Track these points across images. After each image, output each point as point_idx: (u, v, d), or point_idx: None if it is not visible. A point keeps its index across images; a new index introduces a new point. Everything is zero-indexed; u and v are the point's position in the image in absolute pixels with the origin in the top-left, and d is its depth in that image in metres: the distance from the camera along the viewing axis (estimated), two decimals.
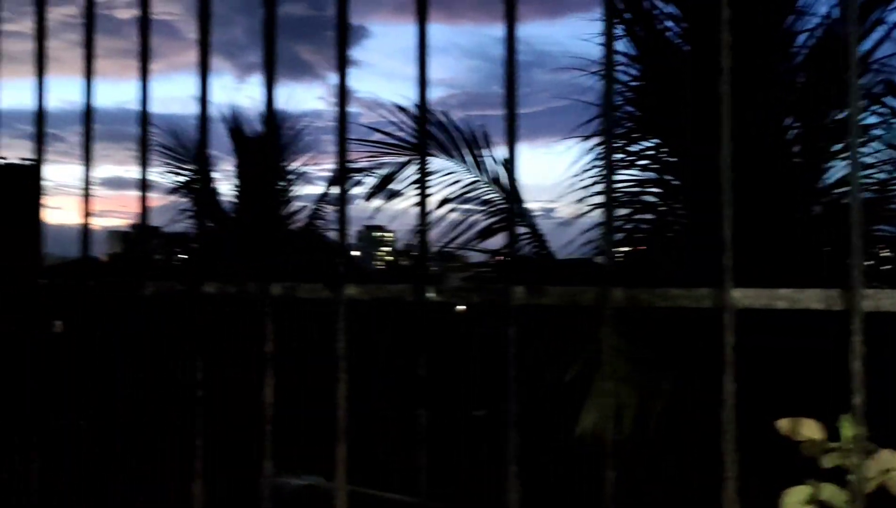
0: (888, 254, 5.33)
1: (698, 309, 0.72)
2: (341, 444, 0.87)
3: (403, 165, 5.66)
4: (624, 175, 5.51)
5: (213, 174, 9.80)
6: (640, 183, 5.43)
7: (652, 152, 5.55)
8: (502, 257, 5.81)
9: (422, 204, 0.92)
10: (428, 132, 5.66)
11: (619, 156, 5.52)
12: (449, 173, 5.69)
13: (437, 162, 5.65)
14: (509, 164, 0.97)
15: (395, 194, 5.75)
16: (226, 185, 10.16)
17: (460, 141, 5.69)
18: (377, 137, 5.68)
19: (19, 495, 1.14)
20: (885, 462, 1.00)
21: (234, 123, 9.79)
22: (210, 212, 9.56)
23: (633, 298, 0.73)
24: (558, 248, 5.67)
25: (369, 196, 5.59)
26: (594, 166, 5.49)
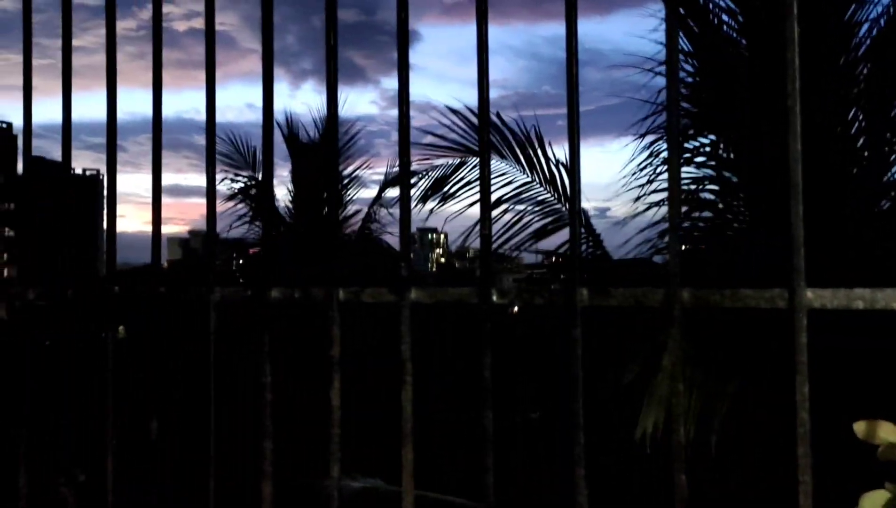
0: None
1: (770, 310, 0.71)
2: (408, 447, 0.88)
3: (456, 168, 5.66)
4: (681, 173, 5.42)
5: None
6: (697, 181, 5.34)
7: (709, 149, 5.46)
8: (557, 259, 5.77)
9: (484, 205, 0.92)
10: (482, 133, 5.66)
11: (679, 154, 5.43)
12: (502, 175, 5.67)
13: (492, 163, 5.64)
14: (570, 163, 0.96)
15: (448, 197, 5.76)
16: (281, 190, 10.33)
17: (513, 141, 5.68)
18: (429, 139, 5.70)
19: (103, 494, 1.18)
20: None
21: (289, 130, 9.96)
22: (268, 217, 9.71)
23: (702, 298, 0.72)
24: (614, 248, 5.61)
25: (422, 199, 5.61)
26: (649, 165, 5.43)
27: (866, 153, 4.88)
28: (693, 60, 5.46)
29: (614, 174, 5.59)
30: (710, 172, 5.50)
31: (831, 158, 4.65)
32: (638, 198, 5.26)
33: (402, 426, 0.89)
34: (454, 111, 5.62)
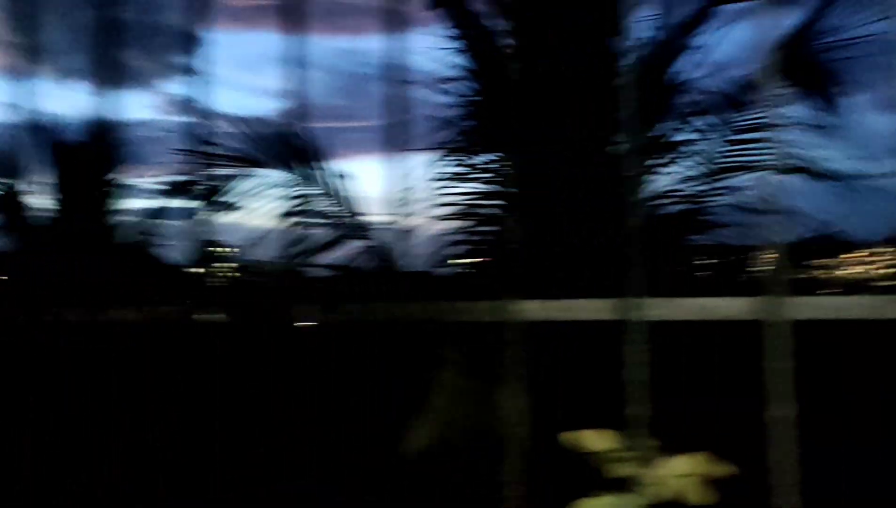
0: (705, 262, 5.69)
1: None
2: None
3: (235, 177, 5.41)
4: (467, 188, 5.57)
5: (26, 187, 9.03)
6: (485, 195, 5.50)
7: (495, 165, 5.65)
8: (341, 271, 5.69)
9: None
10: (262, 143, 5.46)
11: (461, 170, 5.58)
12: (282, 187, 5.51)
13: (274, 174, 5.45)
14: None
15: (229, 207, 5.48)
16: (43, 198, 9.39)
17: (297, 153, 5.53)
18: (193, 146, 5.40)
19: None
20: (677, 468, 0.98)
21: (54, 133, 9.08)
22: (19, 229, 8.79)
23: (436, 311, 0.65)
24: (402, 261, 5.62)
25: (191, 212, 5.29)
26: (434, 179, 5.53)
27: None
28: (477, 80, 5.64)
29: (399, 187, 5.62)
30: (498, 187, 5.70)
31: (601, 178, 4.98)
32: (419, 212, 5.32)
33: None
34: (240, 120, 5.38)
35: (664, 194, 5.13)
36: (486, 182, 5.60)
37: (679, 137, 5.20)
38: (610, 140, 5.04)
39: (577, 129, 4.66)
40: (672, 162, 5.28)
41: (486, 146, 5.51)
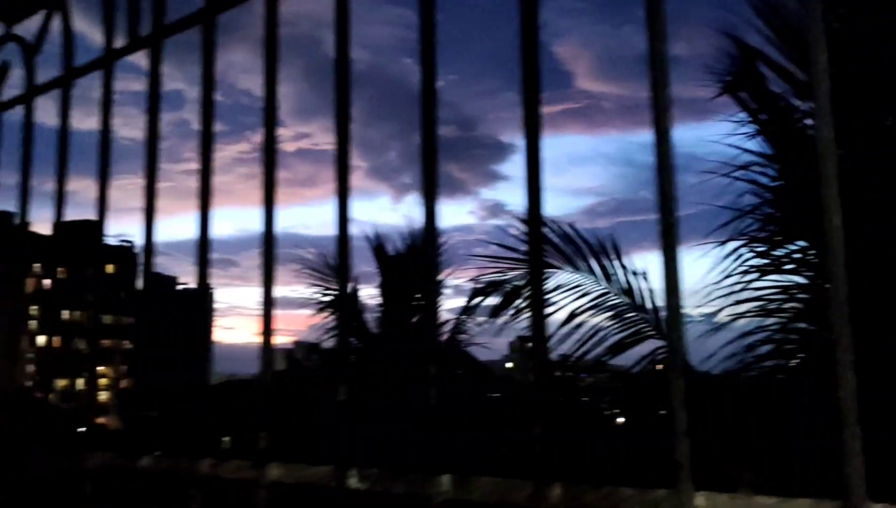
0: None
1: None
2: None
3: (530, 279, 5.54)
4: (769, 281, 5.12)
5: (358, 292, 10.14)
6: (785, 289, 5.00)
7: (799, 256, 5.13)
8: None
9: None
10: (551, 243, 5.56)
11: (763, 261, 5.15)
12: (576, 286, 5.50)
13: (564, 275, 5.50)
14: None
15: (525, 308, 5.62)
16: (371, 301, 10.48)
17: (587, 252, 5.53)
18: (493, 250, 5.64)
19: None
20: None
21: (377, 242, 10.18)
22: (354, 328, 9.84)
23: (574, 497, 0.58)
24: (699, 361, 5.26)
25: (495, 312, 5.50)
26: (735, 271, 5.15)
27: None
28: (776, 165, 5.24)
29: (696, 281, 5.33)
30: (801, 279, 5.17)
31: None
32: (721, 308, 4.96)
33: None
34: (525, 222, 5.55)
35: None
36: (794, 273, 5.09)
37: None
38: None
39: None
40: None
41: (790, 235, 5.02)
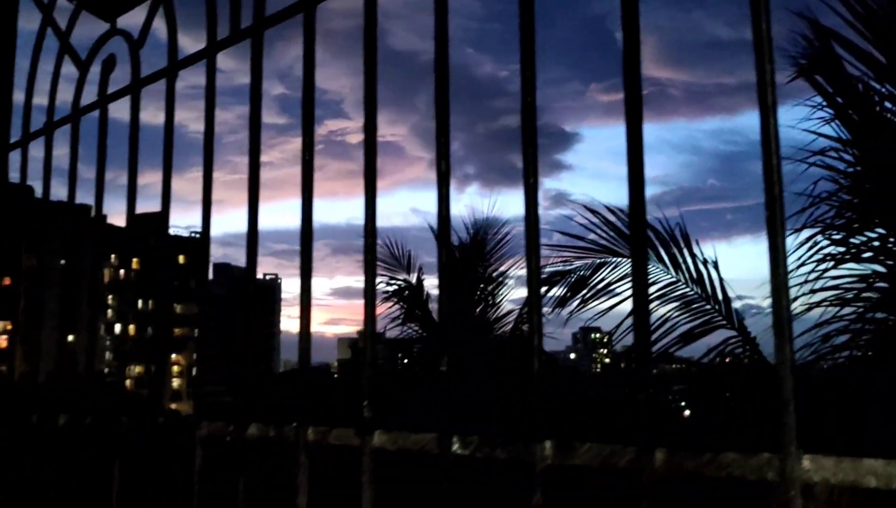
0: None
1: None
2: None
3: (596, 268, 5.52)
4: (845, 270, 4.98)
5: (423, 281, 10.22)
6: (864, 278, 4.85)
7: (877, 244, 4.98)
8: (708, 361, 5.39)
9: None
10: (618, 231, 5.51)
11: (839, 249, 5.01)
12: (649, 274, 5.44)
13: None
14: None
15: (588, 299, 5.60)
16: (435, 291, 10.57)
17: (655, 240, 5.47)
18: (556, 238, 5.62)
19: None
20: None
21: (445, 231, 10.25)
22: (419, 318, 9.92)
23: (676, 464, 0.60)
24: (771, 353, 5.15)
25: (561, 302, 5.49)
26: (810, 260, 5.03)
27: None
28: (853, 150, 5.08)
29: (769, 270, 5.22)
30: (880, 268, 5.01)
31: None
32: (795, 297, 4.85)
33: None
34: (593, 211, 5.53)
35: None
36: (872, 262, 4.94)
37: None
38: None
39: None
40: None
41: (868, 222, 4.87)
